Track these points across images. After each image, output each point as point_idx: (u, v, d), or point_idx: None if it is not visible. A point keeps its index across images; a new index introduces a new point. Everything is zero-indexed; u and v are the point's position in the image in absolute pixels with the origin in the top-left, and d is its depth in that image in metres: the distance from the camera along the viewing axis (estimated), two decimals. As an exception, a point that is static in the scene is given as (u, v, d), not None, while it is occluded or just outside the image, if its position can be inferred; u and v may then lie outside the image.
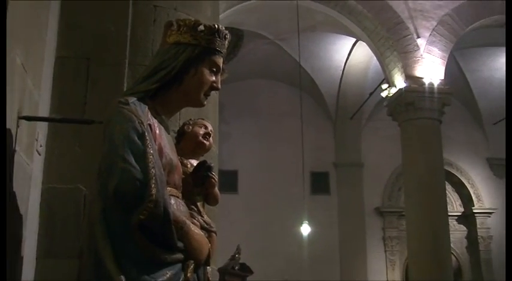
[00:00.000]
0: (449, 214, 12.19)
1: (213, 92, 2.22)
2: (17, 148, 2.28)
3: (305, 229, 13.35)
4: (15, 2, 2.09)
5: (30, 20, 2.45)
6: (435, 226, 10.64)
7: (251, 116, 15.67)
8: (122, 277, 1.72)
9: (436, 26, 11.70)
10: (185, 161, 2.54)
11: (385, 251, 15.71)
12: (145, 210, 1.75)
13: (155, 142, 1.92)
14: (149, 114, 1.98)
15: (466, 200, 16.45)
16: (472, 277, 15.87)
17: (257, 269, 9.87)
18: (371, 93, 14.28)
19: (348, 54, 14.74)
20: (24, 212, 2.45)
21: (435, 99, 11.25)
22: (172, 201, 1.96)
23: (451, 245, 11.89)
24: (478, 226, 16.05)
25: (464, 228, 16.30)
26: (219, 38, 2.12)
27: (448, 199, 12.75)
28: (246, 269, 9.46)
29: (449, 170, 15.17)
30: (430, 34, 11.64)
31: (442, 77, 11.49)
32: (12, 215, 2.29)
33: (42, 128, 2.94)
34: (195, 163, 2.59)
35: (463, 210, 16.44)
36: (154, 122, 1.99)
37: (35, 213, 2.93)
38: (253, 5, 11.28)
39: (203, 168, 2.51)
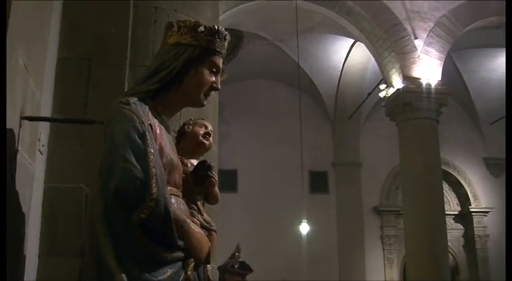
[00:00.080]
0: (447, 212, 12.20)
1: (212, 93, 2.22)
2: (19, 148, 2.29)
3: (304, 228, 13.35)
4: (18, 2, 2.09)
5: (32, 21, 2.45)
6: (432, 224, 10.64)
7: (250, 116, 15.66)
8: (123, 275, 1.72)
9: (433, 28, 11.70)
10: (185, 161, 2.55)
11: (383, 249, 15.72)
12: (146, 209, 1.76)
13: (156, 141, 1.92)
14: (150, 114, 1.98)
15: (463, 199, 16.46)
16: (468, 275, 15.88)
17: (257, 268, 9.86)
18: (369, 94, 14.28)
19: (346, 55, 14.74)
20: (27, 211, 2.45)
21: (432, 99, 11.26)
22: (173, 200, 1.96)
23: (448, 243, 11.89)
24: (474, 225, 16.06)
25: (461, 227, 16.32)
26: (219, 39, 2.13)
27: (445, 198, 12.74)
28: (245, 268, 9.46)
29: (446, 169, 15.17)
30: (428, 35, 11.64)
31: (439, 78, 11.50)
32: (15, 214, 2.30)
33: (44, 128, 2.94)
34: (195, 162, 2.59)
35: (460, 209, 16.45)
36: (155, 122, 2.00)
37: (37, 212, 2.93)
38: (253, 7, 11.27)
39: (203, 167, 2.51)
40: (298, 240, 13.81)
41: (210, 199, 2.62)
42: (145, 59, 3.43)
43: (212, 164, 2.55)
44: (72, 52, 3.31)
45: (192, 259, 1.92)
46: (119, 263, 1.74)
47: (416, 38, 11.57)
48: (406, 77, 11.40)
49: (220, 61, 2.15)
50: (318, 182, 15.92)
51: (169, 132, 2.12)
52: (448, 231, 11.44)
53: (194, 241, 1.92)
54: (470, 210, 16.16)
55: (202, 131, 2.68)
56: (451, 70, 14.25)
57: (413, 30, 11.61)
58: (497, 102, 15.71)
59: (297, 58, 12.87)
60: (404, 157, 11.42)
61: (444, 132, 13.02)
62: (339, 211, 15.70)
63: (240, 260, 9.32)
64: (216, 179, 2.58)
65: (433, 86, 11.28)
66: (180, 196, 2.11)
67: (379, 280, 15.33)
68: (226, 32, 2.16)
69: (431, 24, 11.71)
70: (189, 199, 2.40)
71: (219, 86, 2.17)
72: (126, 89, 3.13)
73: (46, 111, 2.98)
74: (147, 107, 1.98)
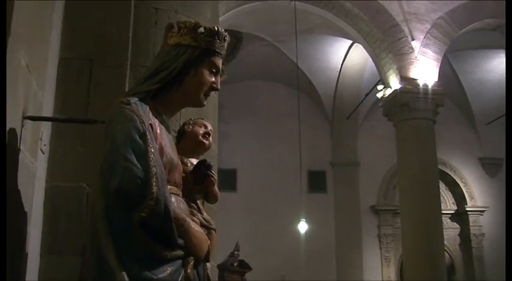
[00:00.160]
0: (443, 212, 12.20)
1: (212, 93, 2.22)
2: (21, 147, 2.28)
3: (302, 227, 13.36)
4: (20, 2, 2.09)
5: (34, 21, 2.44)
6: (429, 223, 10.64)
7: (250, 116, 15.66)
8: (124, 274, 1.72)
9: (430, 29, 11.70)
10: (185, 160, 2.55)
11: (380, 248, 15.72)
12: (147, 208, 1.76)
13: (156, 141, 1.92)
14: (150, 114, 1.98)
15: (459, 198, 16.47)
16: (464, 274, 15.90)
17: (255, 266, 9.87)
18: (367, 94, 14.27)
19: (345, 56, 14.74)
20: (29, 210, 2.45)
21: (429, 100, 11.26)
22: (173, 199, 1.96)
23: (445, 242, 11.89)
24: (470, 224, 16.07)
25: (457, 226, 16.32)
26: (219, 40, 2.13)
27: (441, 197, 12.73)
28: (244, 266, 9.47)
29: (442, 169, 15.17)
30: (425, 37, 11.64)
31: (436, 79, 11.50)
32: (17, 213, 2.29)
33: (46, 127, 2.94)
34: (195, 161, 2.59)
35: (456, 208, 16.45)
36: (155, 122, 2.00)
37: (39, 211, 2.93)
38: (252, 8, 11.27)
39: (203, 167, 2.51)
40: (297, 239, 13.82)
41: (210, 198, 2.62)
42: (146, 60, 3.42)
43: (212, 164, 2.55)
44: (73, 52, 3.30)
45: (192, 257, 1.93)
46: (119, 262, 1.74)
47: (413, 40, 11.58)
48: (403, 78, 11.40)
49: (219, 62, 2.15)
50: (316, 182, 15.93)
51: (169, 132, 2.12)
52: (444, 230, 11.44)
53: (194, 240, 1.93)
54: (466, 209, 16.17)
55: (202, 130, 2.68)
56: (447, 71, 14.26)
57: (410, 31, 11.62)
58: (493, 103, 15.74)
59: (296, 59, 12.87)
60: (401, 156, 11.42)
61: (441, 133, 13.03)
62: (337, 210, 15.70)
63: (239, 258, 9.33)
64: (216, 178, 2.58)
65: (430, 86, 11.28)
66: (180, 195, 2.11)
67: (376, 278, 15.34)
68: (226, 33, 2.16)
69: (428, 26, 11.72)
70: (189, 197, 2.40)
71: (219, 87, 2.17)
72: (127, 89, 3.13)
73: (48, 111, 2.98)
74: (148, 107, 1.98)
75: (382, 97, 11.91)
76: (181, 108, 2.28)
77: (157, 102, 2.06)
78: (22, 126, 2.28)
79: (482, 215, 16.23)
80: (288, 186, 14.60)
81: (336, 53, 14.66)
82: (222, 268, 8.52)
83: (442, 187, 15.09)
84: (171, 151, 2.04)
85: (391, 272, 15.50)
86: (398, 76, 11.46)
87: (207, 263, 2.22)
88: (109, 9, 3.42)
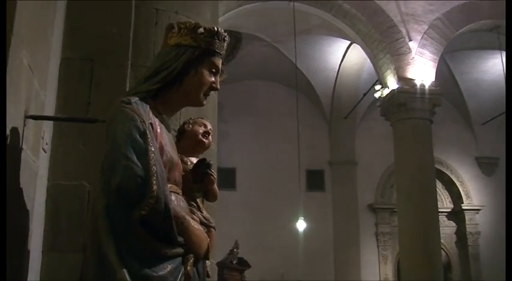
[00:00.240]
0: (440, 210, 12.20)
1: (212, 93, 2.22)
2: (23, 146, 2.29)
3: (301, 225, 13.36)
4: (22, 2, 2.09)
5: (37, 22, 2.45)
6: (426, 222, 10.65)
7: (249, 116, 15.66)
8: (124, 271, 1.72)
9: (427, 30, 11.71)
10: (185, 159, 2.55)
11: (378, 246, 15.73)
12: (147, 206, 1.76)
13: (156, 140, 1.92)
14: (151, 114, 1.98)
15: (456, 197, 16.49)
16: (460, 271, 15.92)
17: (254, 263, 9.88)
18: (365, 94, 14.29)
19: (343, 56, 14.74)
20: (31, 208, 2.45)
21: (426, 100, 11.26)
22: (173, 197, 1.96)
23: (441, 240, 11.90)
24: (466, 222, 16.10)
25: (454, 224, 16.34)
26: (218, 40, 2.13)
27: (438, 196, 12.76)
28: (243, 264, 9.47)
29: (439, 168, 15.19)
30: (422, 37, 11.65)
31: (433, 79, 11.50)
32: (19, 210, 2.30)
33: (48, 126, 2.94)
34: (194, 160, 2.59)
35: (452, 207, 16.47)
36: (156, 121, 2.00)
37: (41, 209, 2.93)
38: (252, 9, 11.27)
39: (203, 165, 2.51)
40: (295, 237, 13.82)
41: (209, 196, 2.62)
42: (146, 60, 3.42)
43: (211, 162, 2.55)
44: (75, 52, 3.30)
45: (192, 255, 1.93)
46: (120, 259, 1.74)
47: (410, 40, 11.58)
48: (401, 78, 11.41)
49: (219, 62, 2.15)
50: (314, 181, 15.93)
51: (169, 131, 2.12)
52: (441, 228, 11.45)
53: (194, 237, 1.93)
54: (463, 208, 16.19)
55: (201, 130, 2.68)
56: (444, 71, 14.27)
57: (407, 32, 11.62)
58: (489, 103, 15.75)
59: (295, 59, 12.87)
60: (398, 155, 11.43)
61: (437, 132, 13.04)
62: (335, 208, 15.71)
63: (239, 256, 9.33)
64: (215, 176, 2.58)
65: (427, 87, 11.29)
66: (180, 193, 2.11)
67: (373, 276, 15.35)
68: (226, 34, 2.16)
69: (426, 27, 11.72)
70: (189, 196, 2.40)
71: (218, 86, 2.17)
72: (127, 89, 3.13)
73: (50, 110, 2.98)
74: (148, 106, 1.98)
75: (379, 97, 11.91)
76: (181, 108, 2.28)
77: (158, 102, 2.06)
78: (24, 125, 2.28)
79: (478, 213, 16.25)
80: (287, 185, 14.61)
81: (334, 53, 14.66)
82: (221, 265, 8.53)
83: (439, 185, 15.12)
84: (171, 149, 2.04)
85: (389, 269, 15.52)
86: (395, 76, 11.46)
87: (207, 261, 2.23)
88: (110, 9, 3.42)
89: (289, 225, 13.85)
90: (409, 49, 11.54)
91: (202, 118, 2.80)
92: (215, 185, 2.61)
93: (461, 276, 15.85)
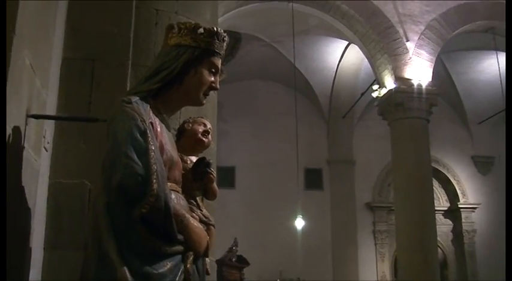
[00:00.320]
0: (436, 208, 12.22)
1: (211, 92, 2.22)
2: (25, 145, 2.28)
3: (299, 223, 13.37)
4: (24, 2, 2.09)
5: (38, 22, 2.44)
6: (423, 220, 10.66)
7: (248, 115, 15.66)
8: (125, 268, 1.72)
9: (424, 31, 11.71)
10: (185, 158, 2.54)
11: (375, 244, 15.74)
12: (147, 204, 1.76)
13: (156, 139, 1.92)
14: (151, 113, 1.98)
15: (452, 195, 16.51)
16: (456, 268, 15.94)
17: (253, 261, 9.89)
18: (362, 94, 14.29)
19: (341, 56, 14.75)
20: (32, 205, 2.45)
21: (423, 99, 11.27)
22: (173, 195, 1.96)
23: (438, 238, 11.92)
24: (462, 220, 16.12)
25: (450, 222, 16.36)
26: (218, 40, 2.13)
27: (435, 194, 12.77)
28: (242, 261, 9.48)
29: (436, 167, 15.20)
30: (419, 38, 11.66)
31: (430, 79, 11.52)
32: (21, 208, 2.30)
33: (49, 125, 2.94)
34: (194, 159, 2.59)
35: (449, 205, 16.49)
36: (156, 120, 2.00)
37: (43, 207, 2.93)
38: (251, 9, 11.27)
39: (202, 164, 2.51)
40: (294, 235, 13.83)
41: (209, 194, 2.62)
42: (146, 60, 3.42)
43: (211, 161, 2.55)
44: (76, 52, 3.30)
45: (191, 253, 1.93)
46: (120, 256, 1.74)
47: (407, 41, 11.59)
48: (398, 78, 11.41)
49: (219, 62, 2.15)
50: (313, 179, 15.94)
51: (169, 130, 2.12)
52: (437, 226, 11.47)
53: (193, 235, 1.93)
54: (459, 206, 16.21)
55: (201, 129, 2.68)
56: (441, 71, 14.27)
57: (405, 33, 11.63)
58: (485, 103, 15.77)
59: (293, 59, 12.88)
60: (396, 154, 11.44)
61: (434, 131, 13.04)
62: (333, 206, 15.72)
63: (238, 254, 9.33)
64: (215, 175, 2.57)
65: (423, 86, 11.30)
66: (180, 192, 2.11)
67: (371, 273, 15.36)
68: (225, 34, 2.16)
69: (422, 27, 11.73)
70: (189, 194, 2.40)
71: (218, 86, 2.17)
72: (128, 89, 3.13)
73: (51, 109, 2.98)
74: (149, 105, 1.98)
75: (377, 97, 11.92)
76: (181, 107, 2.28)
77: (158, 101, 2.06)
78: (26, 124, 2.28)
79: (474, 212, 16.27)
80: (285, 183, 14.62)
81: (332, 53, 14.67)
82: (220, 263, 8.53)
83: (436, 184, 15.13)
84: (171, 148, 2.04)
85: (386, 267, 15.53)
86: (393, 76, 11.47)
87: (206, 259, 2.23)
88: (111, 10, 3.41)
89: (288, 223, 13.86)
90: (406, 49, 11.55)
91: (202, 117, 2.80)
92: (214, 184, 2.61)
93: (457, 273, 15.88)
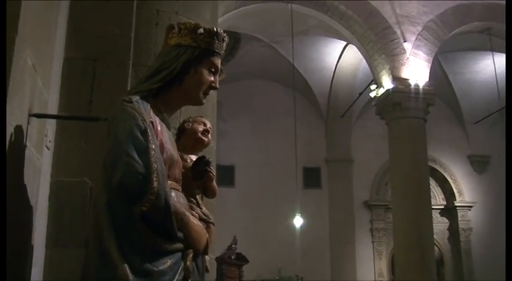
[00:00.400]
0: (433, 207, 12.22)
1: (211, 92, 2.22)
2: (27, 144, 2.28)
3: (298, 221, 13.37)
4: (27, 2, 2.09)
5: (40, 22, 2.44)
6: (419, 218, 10.67)
7: (247, 115, 15.66)
8: (126, 265, 1.72)
9: (421, 31, 11.72)
10: (185, 156, 2.55)
11: (373, 241, 15.75)
12: (148, 202, 1.76)
13: (157, 138, 1.92)
14: (151, 112, 1.98)
15: (448, 194, 16.51)
16: (453, 266, 15.95)
17: (252, 259, 9.86)
18: (360, 94, 14.28)
19: (339, 56, 14.74)
20: (34, 203, 2.45)
21: (420, 99, 11.27)
22: (173, 194, 1.96)
23: (434, 236, 11.91)
24: (459, 219, 16.13)
25: (447, 220, 16.37)
26: (218, 40, 2.13)
27: (431, 193, 12.78)
28: (242, 259, 9.45)
29: (433, 166, 15.21)
30: (416, 38, 11.66)
31: (427, 79, 11.52)
32: (23, 206, 2.30)
33: (51, 124, 2.94)
34: (194, 158, 2.59)
35: (445, 203, 16.50)
36: (156, 120, 1.99)
37: (44, 205, 2.93)
38: (250, 10, 11.26)
39: (202, 163, 2.51)
40: (292, 233, 13.84)
41: (209, 193, 2.62)
42: (147, 59, 3.42)
43: (210, 160, 2.55)
44: (77, 52, 3.30)
45: (191, 250, 1.93)
46: (121, 254, 1.74)
47: (405, 41, 11.59)
48: (396, 78, 11.41)
49: (218, 62, 2.15)
50: (311, 178, 15.94)
51: (169, 129, 2.12)
52: (434, 224, 11.46)
53: (193, 233, 1.93)
54: (455, 205, 16.22)
55: (201, 128, 2.68)
56: (438, 72, 14.28)
57: (402, 33, 11.63)
58: (481, 103, 15.78)
59: (292, 59, 12.89)
60: (393, 154, 11.44)
61: (431, 131, 13.05)
62: (331, 205, 15.72)
63: (237, 251, 9.31)
64: (214, 174, 2.58)
65: (421, 86, 11.30)
66: (180, 190, 2.11)
67: (368, 270, 15.37)
68: (225, 34, 2.16)
69: (420, 28, 11.73)
70: (189, 192, 2.40)
71: (218, 86, 2.17)
72: (128, 88, 3.12)
73: (53, 109, 2.98)
74: (149, 105, 1.98)
75: (375, 96, 11.92)
76: (182, 107, 2.28)
77: (158, 101, 2.05)
78: (28, 123, 2.28)
79: (470, 210, 16.28)
80: (284, 182, 14.62)
81: (330, 53, 14.66)
82: (220, 260, 8.51)
83: (432, 183, 15.14)
84: (171, 147, 2.04)
85: (383, 265, 15.54)
86: (390, 76, 11.47)
87: (206, 256, 2.23)
88: (112, 10, 3.41)
89: (287, 221, 13.87)
90: (404, 50, 11.55)
91: (201, 117, 2.80)
92: (214, 182, 2.61)
93: (453, 271, 15.89)
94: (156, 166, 1.80)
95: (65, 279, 2.87)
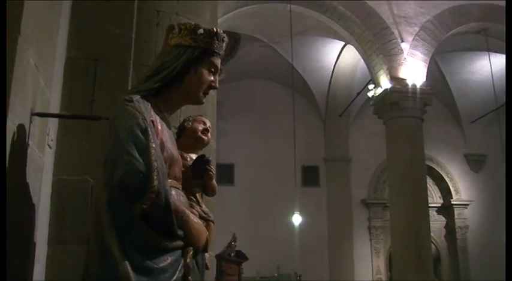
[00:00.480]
0: (430, 205, 12.23)
1: (211, 91, 2.22)
2: (30, 142, 2.29)
3: (296, 219, 13.37)
4: (29, 2, 2.09)
5: (43, 22, 2.44)
6: (416, 216, 10.67)
7: (247, 114, 15.66)
8: (126, 263, 1.72)
9: (418, 32, 11.72)
10: (185, 155, 2.54)
11: (370, 239, 15.76)
12: (148, 200, 1.76)
13: (157, 137, 1.92)
14: (152, 111, 1.98)
15: (445, 192, 16.53)
16: (449, 263, 15.97)
17: (251, 256, 9.87)
18: (358, 93, 14.29)
19: (337, 56, 14.74)
20: (37, 201, 2.45)
21: (417, 99, 11.28)
22: (173, 192, 1.96)
23: (431, 234, 11.93)
24: (455, 217, 16.14)
25: (443, 218, 16.38)
26: (217, 40, 2.13)
27: (428, 191, 12.78)
28: (241, 256, 9.46)
29: (430, 164, 15.22)
30: (413, 39, 11.66)
31: (424, 79, 11.52)
32: (26, 204, 2.30)
33: (53, 123, 2.94)
34: (194, 156, 2.59)
35: (442, 202, 16.51)
36: (157, 119, 2.00)
37: (47, 203, 2.93)
38: (250, 11, 11.26)
39: (202, 161, 2.51)
40: (291, 230, 13.84)
41: (208, 191, 2.62)
42: (148, 59, 3.42)
43: (210, 159, 2.55)
44: (79, 52, 3.30)
45: (191, 248, 1.93)
46: (122, 251, 1.74)
47: (402, 42, 11.59)
48: (393, 78, 11.42)
49: (218, 62, 2.15)
50: (309, 176, 15.94)
51: (170, 128, 2.12)
52: (431, 222, 11.48)
53: (193, 231, 1.93)
54: (452, 203, 16.23)
55: (201, 127, 2.68)
56: (435, 72, 14.28)
57: (400, 34, 11.63)
58: (477, 102, 15.79)
59: (291, 59, 12.88)
60: (391, 152, 11.44)
61: (428, 130, 13.05)
62: (329, 203, 15.73)
63: (236, 249, 9.31)
64: (214, 172, 2.58)
65: (418, 86, 11.30)
66: (180, 188, 2.11)
67: (366, 268, 15.38)
68: (224, 34, 2.16)
69: (417, 29, 11.73)
70: (189, 191, 2.40)
71: (217, 85, 2.17)
72: (129, 88, 3.12)
73: (55, 108, 2.98)
74: (150, 104, 1.98)
75: (372, 96, 11.92)
76: (182, 106, 2.28)
77: (159, 100, 2.06)
78: (30, 122, 2.28)
79: (466, 208, 16.30)
80: (283, 180, 14.62)
81: (329, 54, 14.66)
82: (219, 258, 8.51)
83: (429, 181, 15.14)
84: (171, 146, 2.04)
85: (381, 262, 15.55)
86: (388, 76, 11.47)
87: (206, 253, 2.23)
88: (113, 11, 3.41)
89: (285, 219, 13.87)
90: (401, 50, 11.55)
91: (201, 116, 2.80)
92: (214, 181, 2.61)
93: (450, 268, 15.91)
94: (156, 164, 1.80)
95: (66, 276, 2.88)
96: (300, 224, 13.55)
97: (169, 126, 2.11)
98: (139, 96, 1.96)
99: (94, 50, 3.32)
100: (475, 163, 16.67)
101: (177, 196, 2.01)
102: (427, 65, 11.68)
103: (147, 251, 1.78)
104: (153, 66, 2.13)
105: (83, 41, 3.32)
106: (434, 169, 16.17)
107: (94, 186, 3.03)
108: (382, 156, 12.68)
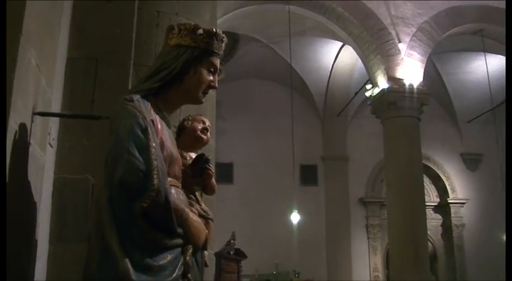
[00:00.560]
0: (426, 204, 12.23)
1: (210, 91, 2.22)
2: (31, 141, 2.29)
3: (295, 217, 13.38)
4: (31, 3, 2.09)
5: (44, 22, 2.44)
6: (413, 215, 10.68)
7: (246, 113, 15.65)
8: (127, 260, 1.72)
9: (415, 32, 11.72)
10: (184, 154, 2.55)
11: (368, 237, 15.76)
12: (148, 198, 1.76)
13: (157, 136, 1.92)
14: (152, 111, 1.98)
15: (442, 191, 16.53)
16: (446, 261, 15.98)
17: (250, 254, 9.86)
18: (356, 93, 14.29)
19: (335, 57, 14.74)
20: (38, 200, 2.45)
21: (414, 99, 11.29)
22: (173, 190, 1.96)
23: (428, 232, 11.93)
24: (452, 215, 16.15)
25: (440, 217, 16.39)
26: (217, 41, 2.13)
27: (425, 190, 12.79)
28: (240, 254, 9.46)
29: (427, 164, 15.23)
30: (410, 39, 11.66)
31: (421, 79, 11.53)
32: (27, 203, 2.30)
33: (54, 123, 2.94)
34: (193, 155, 2.60)
35: (438, 200, 16.52)
36: (157, 118, 2.00)
37: (48, 201, 2.93)
38: (249, 11, 11.26)
39: (201, 160, 2.51)
40: (290, 229, 13.84)
41: (208, 189, 2.63)
42: (148, 59, 3.42)
43: (209, 158, 2.55)
44: (80, 52, 3.29)
45: (191, 246, 1.93)
46: (122, 249, 1.74)
47: (400, 42, 11.59)
48: (391, 78, 11.42)
49: (217, 62, 2.15)
50: (308, 175, 15.94)
51: (169, 128, 2.12)
52: (427, 221, 11.48)
53: (193, 229, 1.93)
54: (448, 201, 16.24)
55: (200, 126, 2.68)
56: (431, 72, 14.29)
57: (397, 34, 11.63)
58: (474, 102, 15.80)
59: (290, 59, 12.87)
60: (388, 152, 11.45)
61: (425, 130, 13.05)
62: (327, 202, 15.73)
63: (235, 247, 9.31)
64: (213, 171, 2.58)
65: (415, 86, 11.31)
66: (180, 187, 2.11)
67: (363, 266, 15.39)
68: (224, 35, 2.16)
69: (414, 29, 11.74)
70: (188, 189, 2.40)
71: (217, 85, 2.17)
72: (130, 87, 3.12)
73: (56, 107, 2.98)
74: (150, 103, 1.98)
75: (370, 96, 11.93)
76: (181, 105, 2.28)
77: (159, 100, 2.05)
78: (32, 121, 2.28)
79: (463, 207, 16.31)
80: (282, 179, 14.62)
81: (327, 54, 14.66)
82: (219, 256, 8.51)
83: (426, 180, 15.16)
84: (171, 145, 2.04)
85: (378, 260, 15.56)
86: (385, 76, 11.48)
87: (205, 251, 2.23)
88: (114, 11, 3.41)
89: (284, 218, 13.87)
90: (399, 50, 11.55)
91: (201, 115, 2.80)
92: (213, 179, 2.62)
93: (446, 266, 15.92)
94: (156, 163, 1.80)
95: (68, 274, 2.88)
96: (299, 223, 13.55)
97: (169, 125, 2.11)
98: (139, 96, 1.96)
99: (95, 50, 3.32)
100: (471, 162, 16.69)
101: (176, 194, 2.00)
102: (424, 65, 11.69)
103: (147, 249, 1.78)
104: (153, 66, 2.13)
105: (84, 41, 3.32)
106: (431, 168, 16.18)
107: (95, 184, 3.04)
108: (380, 155, 12.69)
